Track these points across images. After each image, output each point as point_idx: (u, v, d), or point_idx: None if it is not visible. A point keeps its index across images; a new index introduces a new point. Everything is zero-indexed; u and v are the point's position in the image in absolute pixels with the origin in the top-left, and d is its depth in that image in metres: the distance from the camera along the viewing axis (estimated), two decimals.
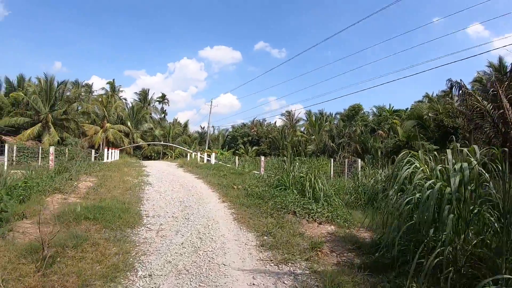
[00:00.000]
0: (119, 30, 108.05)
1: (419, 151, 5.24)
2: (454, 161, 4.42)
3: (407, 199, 4.61)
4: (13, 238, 5.43)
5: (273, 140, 48.42)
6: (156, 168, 18.19)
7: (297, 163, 11.21)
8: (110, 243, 5.31)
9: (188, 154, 31.02)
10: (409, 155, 5.23)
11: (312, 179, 9.22)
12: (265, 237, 5.91)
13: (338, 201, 8.54)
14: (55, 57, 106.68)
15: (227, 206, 8.56)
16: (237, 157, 31.58)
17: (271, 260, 4.91)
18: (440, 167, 4.65)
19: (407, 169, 4.94)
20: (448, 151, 4.59)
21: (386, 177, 8.54)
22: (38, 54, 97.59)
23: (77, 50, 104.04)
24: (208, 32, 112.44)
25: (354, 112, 44.11)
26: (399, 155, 5.46)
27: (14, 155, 29.89)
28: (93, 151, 25.86)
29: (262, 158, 18.17)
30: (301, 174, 10.01)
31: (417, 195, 4.54)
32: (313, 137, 43.18)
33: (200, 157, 26.24)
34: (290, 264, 4.79)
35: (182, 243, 5.55)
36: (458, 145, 4.71)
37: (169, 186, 11.80)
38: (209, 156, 25.66)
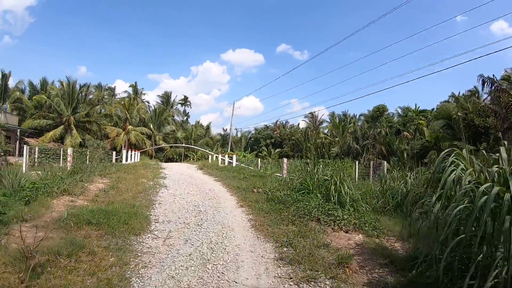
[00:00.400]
0: (143, 35, 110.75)
1: (463, 150, 4.38)
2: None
3: (458, 207, 3.76)
4: (7, 243, 4.94)
5: (296, 142, 47.56)
6: (174, 170, 17.81)
7: (321, 166, 10.40)
8: (108, 252, 4.74)
9: (210, 156, 30.66)
10: (453, 155, 4.33)
11: (338, 182, 8.45)
12: (285, 249, 5.18)
13: (365, 206, 7.83)
14: (80, 61, 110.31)
15: (245, 212, 7.89)
16: (259, 159, 30.94)
17: (291, 278, 4.17)
18: (496, 168, 3.78)
19: (452, 171, 4.09)
20: (502, 149, 3.84)
21: (425, 181, 7.60)
22: (63, 59, 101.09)
23: (102, 55, 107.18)
24: (230, 36, 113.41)
25: (378, 113, 42.73)
26: (441, 154, 4.63)
27: (36, 156, 30.59)
28: (114, 152, 25.94)
29: (285, 160, 17.42)
30: (326, 177, 9.24)
31: (466, 202, 3.73)
32: (337, 139, 42.18)
33: (221, 159, 25.75)
34: (312, 283, 4.05)
35: (190, 254, 4.90)
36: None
37: (185, 189, 11.26)
38: (230, 158, 25.14)
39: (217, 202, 9.14)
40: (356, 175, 17.37)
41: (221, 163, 25.68)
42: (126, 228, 5.84)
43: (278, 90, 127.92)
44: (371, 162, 21.48)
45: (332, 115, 52.81)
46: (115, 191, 9.39)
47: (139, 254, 4.83)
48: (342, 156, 36.57)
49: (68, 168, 16.40)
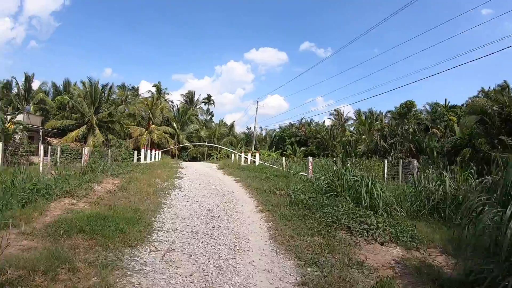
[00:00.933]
0: (167, 37, 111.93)
1: None
2: None
3: None
4: None
5: (321, 140, 46.20)
6: (193, 170, 17.14)
7: (349, 165, 9.37)
8: (92, 270, 3.92)
9: (232, 155, 29.95)
10: None
11: (370, 184, 7.50)
12: (309, 269, 4.19)
13: (400, 210, 6.92)
14: (106, 64, 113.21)
15: (265, 218, 6.94)
16: (284, 158, 29.96)
17: None
18: None
19: None
20: None
21: (489, 186, 6.38)
22: (89, 62, 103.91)
23: (126, 57, 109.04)
24: (253, 35, 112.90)
25: (406, 110, 40.89)
26: None
27: (58, 156, 30.94)
28: (136, 152, 25.68)
29: (310, 159, 16.45)
30: (356, 178, 8.22)
31: None
32: (363, 136, 40.75)
33: (244, 157, 24.97)
34: None
35: (191, 274, 3.99)
36: None
37: (201, 191, 10.45)
38: (253, 157, 24.31)
39: (234, 205, 8.26)
40: (385, 175, 16.48)
41: (243, 162, 24.86)
42: (122, 238, 5.04)
43: (302, 88, 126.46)
44: (400, 160, 20.41)
45: (357, 112, 52.12)
46: (123, 193, 8.70)
47: (128, 272, 3.97)
48: (369, 155, 35.26)
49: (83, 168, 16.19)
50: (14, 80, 41.01)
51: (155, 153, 27.54)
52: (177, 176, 13.51)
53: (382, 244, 5.33)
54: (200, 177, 14.06)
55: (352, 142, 42.16)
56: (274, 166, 19.75)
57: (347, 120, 55.46)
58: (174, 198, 8.90)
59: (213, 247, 5.03)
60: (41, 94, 39.62)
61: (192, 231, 5.88)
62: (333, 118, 55.84)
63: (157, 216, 6.75)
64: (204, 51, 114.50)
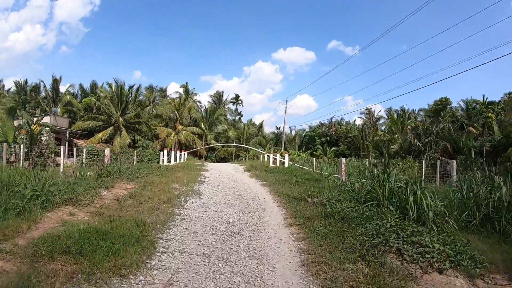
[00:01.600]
0: (195, 39, 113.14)
1: None
2: None
3: None
4: None
5: (352, 140, 44.43)
6: (217, 172, 16.20)
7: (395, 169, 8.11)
8: None
9: (261, 156, 28.92)
10: None
11: (418, 191, 6.35)
12: None
13: (452, 223, 5.89)
14: (135, 67, 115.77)
15: (295, 235, 5.78)
16: (314, 159, 28.69)
17: None
18: None
19: None
20: None
21: None
22: (119, 65, 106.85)
23: (156, 59, 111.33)
24: (280, 35, 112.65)
25: (441, 107, 38.44)
26: None
27: (84, 157, 31.09)
28: (161, 153, 25.16)
29: (343, 160, 15.24)
30: (400, 184, 7.01)
31: None
32: (396, 135, 39.02)
33: (273, 158, 23.87)
34: None
35: None
36: None
37: (222, 198, 9.41)
38: (283, 157, 23.17)
39: (259, 217, 7.14)
40: (423, 177, 14.99)
41: (272, 163, 23.76)
42: (113, 263, 4.05)
43: (331, 87, 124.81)
44: (438, 161, 19.18)
45: (389, 111, 50.20)
46: (132, 200, 7.79)
47: None
48: (403, 155, 33.44)
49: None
50: (42, 84, 42.01)
51: (181, 154, 26.94)
52: (198, 180, 12.57)
53: (440, 272, 4.23)
54: (224, 181, 13.04)
55: (385, 142, 40.26)
56: (305, 168, 18.52)
57: (378, 119, 53.38)
58: (190, 207, 7.89)
59: (227, 279, 3.93)
60: (68, 96, 40.26)
61: (204, 253, 4.81)
62: (363, 117, 53.88)
63: (165, 231, 5.74)
64: (232, 52, 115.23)
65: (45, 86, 41.22)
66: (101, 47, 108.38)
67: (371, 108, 52.91)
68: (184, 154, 28.66)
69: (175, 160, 24.23)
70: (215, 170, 16.96)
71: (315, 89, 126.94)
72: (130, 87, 38.58)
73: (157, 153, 30.02)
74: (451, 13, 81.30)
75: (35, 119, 32.05)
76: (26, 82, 42.73)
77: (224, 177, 14.52)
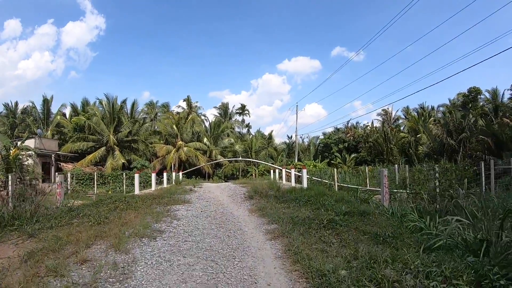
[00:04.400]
0: (201, 57, 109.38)
1: None
2: None
3: None
4: None
5: (374, 144, 38.08)
6: (203, 203, 10.21)
7: None
8: None
9: (272, 171, 22.93)
10: None
11: None
12: None
13: None
14: (144, 87, 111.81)
15: None
16: (334, 169, 22.80)
17: None
18: None
19: None
20: None
21: None
22: (127, 87, 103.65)
23: (163, 79, 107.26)
24: (284, 45, 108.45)
25: (471, 98, 32.23)
26: None
27: (69, 183, 25.59)
28: (153, 175, 19.35)
29: (385, 172, 9.68)
30: None
31: None
32: (418, 135, 33.42)
33: (286, 173, 18.03)
34: None
35: None
36: None
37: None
38: (298, 171, 17.31)
39: None
40: (482, 184, 13.02)
41: (285, 180, 17.78)
42: None
43: (340, 93, 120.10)
44: (492, 161, 14.99)
45: (406, 110, 45.02)
46: None
47: None
48: (435, 156, 27.75)
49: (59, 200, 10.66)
50: (31, 105, 37.09)
51: (178, 175, 21.17)
52: (155, 229, 6.69)
53: None
54: (201, 227, 7.04)
55: (412, 143, 33.92)
56: (325, 181, 12.46)
57: (396, 119, 47.03)
58: None
59: None
60: (58, 117, 35.17)
61: None
62: (381, 119, 47.52)
63: None
64: (239, 67, 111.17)
65: (34, 107, 36.19)
66: (109, 70, 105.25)
67: (388, 109, 46.64)
68: (178, 174, 22.85)
69: (169, 182, 18.52)
70: (201, 200, 10.98)
71: (324, 96, 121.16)
72: (123, 102, 33.10)
73: (149, 174, 24.39)
74: (452, 8, 75.09)
75: (19, 142, 27.10)
76: (16, 104, 37.99)
77: (207, 215, 8.45)
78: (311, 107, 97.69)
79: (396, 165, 24.82)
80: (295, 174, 16.57)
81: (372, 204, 10.46)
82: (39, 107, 35.74)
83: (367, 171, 24.37)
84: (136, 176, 13.67)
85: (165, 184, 17.94)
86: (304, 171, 13.03)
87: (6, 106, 37.25)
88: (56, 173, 25.77)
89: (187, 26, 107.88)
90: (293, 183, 15.08)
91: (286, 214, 7.81)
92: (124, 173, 24.83)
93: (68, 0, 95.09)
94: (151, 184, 20.78)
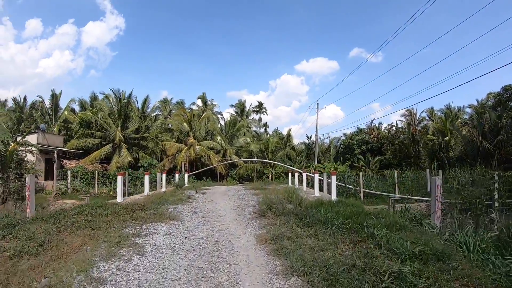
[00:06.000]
0: (220, 56, 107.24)
1: None
2: None
3: None
4: None
5: (400, 146, 34.38)
6: (192, 224, 7.09)
7: None
8: None
9: (290, 175, 19.87)
10: None
11: None
12: None
13: None
14: (162, 86, 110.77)
15: None
16: (360, 173, 19.70)
17: None
18: None
19: None
20: None
21: None
22: (146, 85, 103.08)
23: (181, 78, 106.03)
24: (302, 46, 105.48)
25: (507, 97, 28.32)
26: None
27: (69, 182, 23.25)
28: (163, 176, 16.62)
29: (437, 181, 7.52)
30: None
31: None
32: (446, 138, 29.52)
33: (307, 178, 15.05)
34: None
35: None
36: None
37: None
38: (318, 173, 14.27)
39: None
40: None
41: (306, 186, 14.71)
42: None
43: (358, 95, 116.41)
44: None
45: (430, 111, 40.72)
46: None
47: None
48: (468, 160, 25.05)
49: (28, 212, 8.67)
50: (40, 99, 35.14)
51: (179, 177, 18.39)
52: (93, 277, 3.82)
53: None
54: (168, 282, 4.15)
55: (443, 146, 30.16)
56: (348, 186, 9.31)
57: (421, 120, 42.98)
58: None
59: None
60: (66, 112, 33.08)
61: None
62: (404, 120, 43.54)
63: None
64: (257, 67, 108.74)
65: (41, 102, 34.23)
66: (128, 69, 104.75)
67: (412, 109, 42.55)
68: (184, 175, 20.06)
69: (170, 185, 15.77)
70: (195, 216, 8.01)
71: (342, 97, 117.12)
72: (129, 97, 30.50)
73: (153, 174, 21.74)
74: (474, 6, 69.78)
75: (19, 138, 25.05)
76: (25, 98, 36.15)
77: (190, 250, 5.26)
78: (329, 108, 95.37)
79: (428, 170, 21.54)
80: (318, 178, 13.48)
81: (427, 227, 7.44)
82: (47, 102, 33.87)
83: (396, 176, 21.03)
84: (120, 178, 10.84)
85: (163, 188, 15.15)
86: (334, 177, 9.90)
87: (14, 100, 35.51)
88: (55, 171, 23.53)
89: (205, 24, 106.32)
90: (317, 192, 11.95)
91: (315, 253, 4.77)
92: (126, 173, 22.25)
93: (88, 1, 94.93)
94: (156, 185, 18.21)
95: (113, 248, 5.15)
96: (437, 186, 8.52)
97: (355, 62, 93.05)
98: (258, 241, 5.66)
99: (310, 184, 18.42)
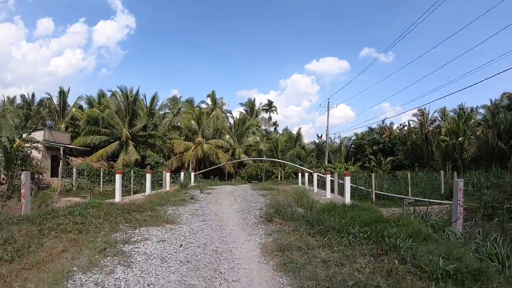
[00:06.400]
0: (230, 55, 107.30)
1: None
2: None
3: None
4: None
5: (412, 147, 33.23)
6: (191, 228, 6.18)
7: None
8: None
9: (300, 175, 19.08)
10: None
11: None
12: None
13: None
14: (172, 85, 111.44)
15: None
16: (372, 174, 18.95)
17: None
18: None
19: None
20: None
21: None
22: (156, 85, 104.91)
23: (191, 77, 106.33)
24: (312, 46, 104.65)
25: None
26: None
27: (74, 179, 22.86)
28: (167, 174, 16.03)
29: (460, 184, 7.51)
30: None
31: None
32: (460, 139, 28.52)
33: (317, 177, 14.26)
34: None
35: None
36: None
37: None
38: (328, 173, 13.47)
39: None
40: None
41: (316, 187, 13.90)
42: None
43: (368, 95, 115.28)
44: None
45: (442, 111, 39.65)
46: None
47: None
48: (483, 162, 24.11)
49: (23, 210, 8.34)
50: (48, 96, 34.98)
51: (196, 175, 17.79)
52: None
53: None
54: None
55: (457, 146, 29.00)
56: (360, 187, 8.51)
57: (433, 120, 41.61)
58: None
59: None
60: (73, 109, 32.84)
61: None
62: (416, 120, 42.24)
63: None
64: (267, 66, 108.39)
65: (48, 99, 34.07)
66: (139, 68, 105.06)
67: (424, 109, 41.21)
68: (189, 174, 19.48)
69: (174, 184, 15.17)
70: (195, 218, 7.29)
71: (352, 97, 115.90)
72: (136, 94, 30.01)
73: (159, 173, 21.21)
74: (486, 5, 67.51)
75: (24, 134, 24.81)
76: (33, 95, 35.98)
77: (184, 262, 4.44)
78: (339, 108, 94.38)
79: (442, 172, 20.57)
80: (330, 179, 12.70)
81: (451, 235, 6.70)
82: (55, 99, 33.68)
83: (409, 177, 20.10)
84: (118, 177, 10.25)
85: (167, 187, 14.55)
86: (347, 179, 9.12)
87: (22, 97, 35.43)
88: (59, 168, 23.19)
89: (215, 24, 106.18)
90: (328, 194, 11.17)
91: (329, 268, 4.03)
92: (132, 171, 21.76)
93: (99, 0, 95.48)
94: (162, 184, 17.62)
95: (96, 256, 4.50)
96: (460, 189, 7.71)
97: (366, 62, 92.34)
98: (263, 252, 4.94)
99: (321, 184, 17.68)
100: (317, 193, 12.52)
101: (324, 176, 14.00)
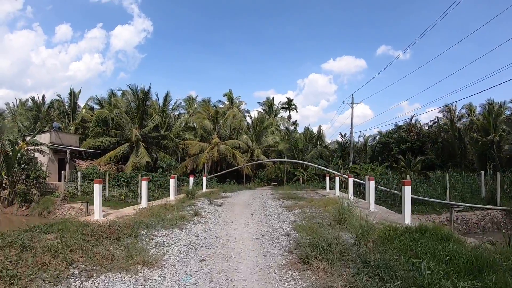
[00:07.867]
0: (247, 55, 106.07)
1: None
2: None
3: None
4: None
5: (443, 145, 29.92)
6: (177, 279, 4.23)
7: None
8: None
9: (327, 179, 16.45)
10: None
11: None
12: None
13: None
14: (190, 87, 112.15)
15: None
16: (408, 176, 16.25)
17: None
18: None
19: None
20: None
21: None
22: (174, 86, 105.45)
23: (208, 77, 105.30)
24: (328, 44, 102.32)
25: None
26: None
27: (79, 183, 20.97)
28: (172, 180, 13.82)
29: None
30: None
31: None
32: (497, 136, 25.83)
33: (344, 180, 11.67)
34: None
35: None
36: None
37: None
38: (356, 177, 10.88)
39: None
40: None
41: (352, 194, 11.31)
42: None
43: (387, 94, 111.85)
44: None
45: (469, 107, 35.96)
46: None
47: None
48: None
49: None
50: (58, 98, 33.55)
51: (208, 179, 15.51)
52: None
53: None
54: None
55: (494, 144, 25.70)
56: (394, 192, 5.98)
57: (461, 117, 37.94)
58: None
59: None
60: (83, 111, 31.28)
61: None
62: (442, 116, 38.56)
63: None
64: (284, 66, 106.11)
65: (57, 100, 32.65)
66: (157, 71, 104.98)
67: (451, 105, 37.51)
68: (203, 178, 17.16)
69: (179, 191, 12.91)
70: (189, 256, 4.95)
71: (370, 96, 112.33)
72: (147, 92, 27.97)
73: (167, 177, 19.03)
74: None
75: (28, 137, 23.26)
76: (43, 97, 34.72)
77: None
78: (358, 107, 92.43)
79: (482, 172, 17.73)
80: (373, 186, 10.09)
81: None
82: (66, 101, 32.21)
83: (447, 179, 17.18)
84: (97, 187, 7.98)
85: (171, 196, 12.29)
86: (407, 189, 6.52)
87: (32, 99, 34.11)
88: (62, 172, 21.41)
89: (231, 23, 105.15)
90: (372, 206, 8.61)
91: None
92: (139, 175, 19.69)
93: (116, 5, 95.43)
94: (174, 189, 15.33)
95: None
96: None
97: (383, 59, 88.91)
98: None
99: (343, 188, 15.21)
100: (355, 202, 9.95)
101: (360, 182, 11.38)
